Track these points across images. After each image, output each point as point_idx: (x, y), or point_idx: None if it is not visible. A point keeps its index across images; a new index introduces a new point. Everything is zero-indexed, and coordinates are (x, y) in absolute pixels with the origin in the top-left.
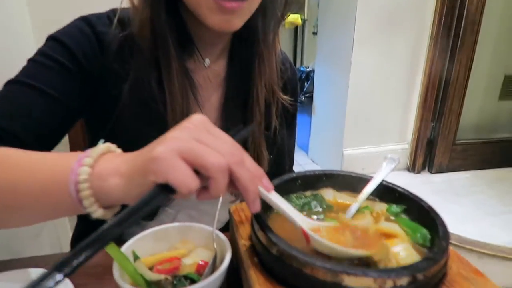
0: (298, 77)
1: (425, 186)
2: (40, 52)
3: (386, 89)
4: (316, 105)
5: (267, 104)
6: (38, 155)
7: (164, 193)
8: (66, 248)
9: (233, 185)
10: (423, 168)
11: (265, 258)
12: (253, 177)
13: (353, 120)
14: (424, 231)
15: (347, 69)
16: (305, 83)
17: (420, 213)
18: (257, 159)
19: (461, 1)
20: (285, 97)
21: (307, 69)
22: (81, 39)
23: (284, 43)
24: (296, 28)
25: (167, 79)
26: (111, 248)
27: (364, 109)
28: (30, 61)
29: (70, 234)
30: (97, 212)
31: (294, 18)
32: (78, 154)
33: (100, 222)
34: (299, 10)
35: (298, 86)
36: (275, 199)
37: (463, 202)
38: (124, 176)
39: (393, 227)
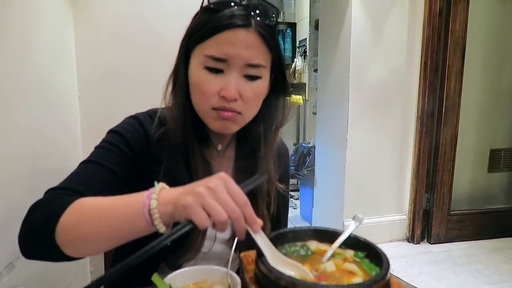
0: (296, 150)
1: (424, 256)
2: (104, 141)
3: (381, 162)
4: (317, 178)
5: (268, 191)
6: (113, 198)
7: (190, 224)
8: None
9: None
10: (422, 238)
11: (265, 282)
12: (243, 225)
13: (352, 192)
14: (378, 269)
15: (343, 144)
16: (307, 158)
17: (375, 256)
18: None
19: (441, 86)
20: (280, 186)
21: (309, 145)
22: (134, 133)
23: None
24: (298, 107)
25: (193, 164)
26: (156, 278)
27: (362, 182)
28: (97, 148)
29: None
30: (162, 228)
31: (296, 98)
32: (145, 193)
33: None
34: (301, 92)
35: (289, 173)
36: (258, 238)
37: (461, 272)
38: (174, 205)
39: (353, 267)
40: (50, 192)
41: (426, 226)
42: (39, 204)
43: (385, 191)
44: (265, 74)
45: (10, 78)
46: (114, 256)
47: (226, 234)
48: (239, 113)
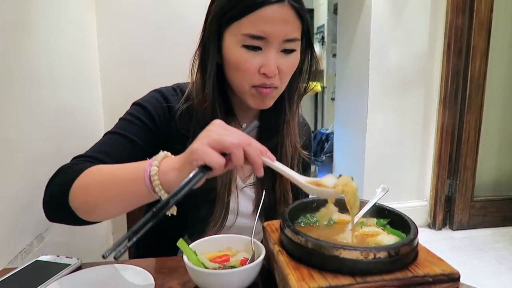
0: (314, 137)
1: (446, 242)
2: (128, 113)
3: (402, 148)
4: (336, 164)
5: (292, 158)
6: (120, 165)
7: (204, 170)
8: None
9: (247, 160)
10: (443, 225)
11: (289, 246)
12: (258, 153)
13: (371, 178)
14: (403, 235)
15: (363, 130)
16: (325, 144)
17: (401, 223)
18: (283, 198)
19: (465, 68)
20: (305, 152)
21: (327, 131)
22: (157, 107)
23: (306, 108)
24: (316, 94)
25: None
26: (182, 243)
27: (382, 167)
28: (121, 119)
29: None
30: (164, 195)
31: (314, 85)
32: (148, 161)
33: (160, 238)
34: (319, 78)
35: (312, 143)
36: (278, 164)
37: (485, 258)
38: (178, 169)
39: (374, 229)
40: (74, 159)
41: (448, 212)
42: (61, 170)
43: (406, 177)
44: (298, 46)
45: (39, 60)
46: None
47: (249, 208)
48: (275, 87)
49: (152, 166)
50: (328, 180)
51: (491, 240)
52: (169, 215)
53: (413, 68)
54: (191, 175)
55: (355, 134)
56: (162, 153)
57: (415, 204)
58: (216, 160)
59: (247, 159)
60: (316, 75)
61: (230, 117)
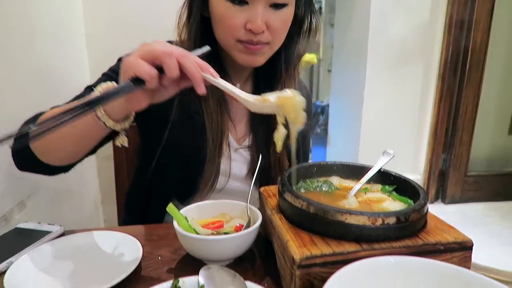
0: (313, 114)
1: (438, 216)
2: (110, 69)
3: (398, 122)
4: (331, 137)
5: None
6: (71, 102)
7: (136, 82)
8: None
9: (185, 76)
10: (436, 198)
11: (289, 211)
12: (196, 66)
13: (366, 152)
14: (410, 201)
15: (359, 103)
16: (320, 116)
17: (408, 190)
18: (279, 165)
19: (466, 42)
20: None
21: (322, 104)
22: None
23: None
24: (312, 67)
25: (204, 98)
26: (171, 209)
27: (377, 141)
28: (103, 74)
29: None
30: (108, 121)
31: (310, 57)
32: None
33: (147, 203)
34: (315, 50)
35: (312, 108)
36: (221, 81)
37: (477, 232)
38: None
39: (379, 195)
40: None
41: (441, 186)
42: (30, 118)
43: (401, 150)
44: (292, 1)
45: (16, 15)
46: (125, 203)
47: (242, 171)
48: (267, 43)
49: (94, 92)
50: (271, 95)
51: (482, 215)
52: (120, 145)
53: (414, 40)
54: (120, 84)
55: (351, 107)
56: (106, 83)
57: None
58: (145, 70)
59: (185, 75)
60: (313, 46)
61: (221, 76)
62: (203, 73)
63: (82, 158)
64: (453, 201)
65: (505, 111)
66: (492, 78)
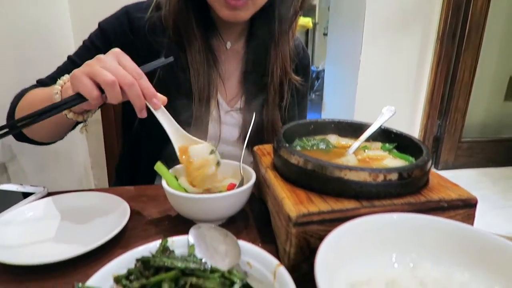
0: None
1: None
2: (88, 37)
3: (394, 87)
4: (326, 103)
5: (281, 82)
6: (46, 88)
7: (79, 98)
8: None
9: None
10: None
11: (284, 168)
12: (140, 95)
13: (361, 117)
14: (411, 159)
15: (356, 68)
16: (316, 82)
17: (409, 147)
18: (272, 129)
19: (466, 5)
20: (296, 77)
21: (318, 69)
22: (115, 23)
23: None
24: (307, 31)
25: (189, 54)
26: (159, 167)
27: (373, 106)
28: (82, 44)
29: None
30: (69, 114)
31: (305, 21)
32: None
33: (136, 164)
34: (311, 14)
35: (310, 69)
36: (161, 115)
37: None
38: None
39: (379, 153)
40: (37, 83)
41: (435, 152)
42: (18, 94)
43: (397, 116)
44: None
45: None
46: (116, 166)
47: (234, 135)
48: None
49: (55, 85)
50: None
51: (475, 180)
52: (82, 133)
53: (412, 2)
54: (66, 98)
55: (347, 72)
56: (67, 75)
57: None
58: (88, 91)
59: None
60: (308, 11)
61: (211, 32)
62: (146, 101)
63: (65, 135)
64: (446, 167)
65: (502, 76)
66: (491, 43)
